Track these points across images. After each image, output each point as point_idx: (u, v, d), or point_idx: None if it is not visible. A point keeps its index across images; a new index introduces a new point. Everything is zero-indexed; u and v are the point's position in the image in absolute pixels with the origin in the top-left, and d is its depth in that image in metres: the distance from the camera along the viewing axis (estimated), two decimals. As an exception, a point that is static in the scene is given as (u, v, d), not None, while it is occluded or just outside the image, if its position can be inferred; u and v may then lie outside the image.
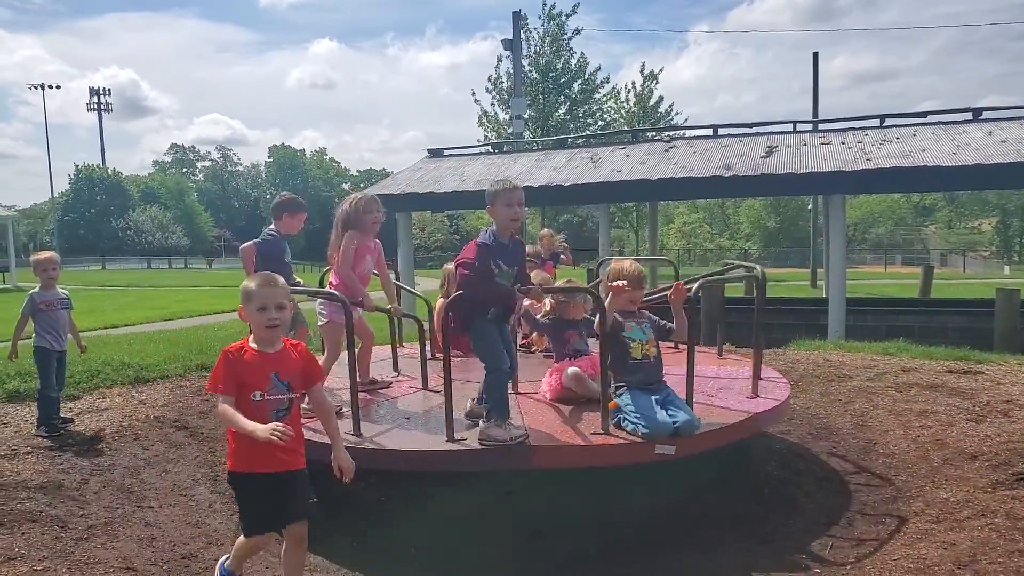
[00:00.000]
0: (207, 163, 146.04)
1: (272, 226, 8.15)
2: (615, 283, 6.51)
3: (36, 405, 8.12)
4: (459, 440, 6.15)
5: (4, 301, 29.11)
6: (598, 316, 6.26)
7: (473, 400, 6.66)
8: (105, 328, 19.31)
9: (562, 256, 13.64)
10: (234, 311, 24.41)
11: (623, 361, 6.48)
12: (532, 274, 9.79)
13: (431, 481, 6.69)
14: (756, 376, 7.51)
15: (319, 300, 7.36)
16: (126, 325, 20.78)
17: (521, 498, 6.62)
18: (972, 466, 7.20)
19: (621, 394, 6.38)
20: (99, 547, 5.79)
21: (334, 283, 7.38)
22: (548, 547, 6.37)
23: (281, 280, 4.72)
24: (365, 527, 6.69)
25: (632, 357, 6.48)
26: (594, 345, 7.47)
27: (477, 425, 6.23)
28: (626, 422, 6.23)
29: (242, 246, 8.08)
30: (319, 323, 7.42)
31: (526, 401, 7.35)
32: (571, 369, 7.15)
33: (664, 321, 6.82)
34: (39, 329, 8.11)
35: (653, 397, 6.32)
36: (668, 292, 6.73)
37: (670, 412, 6.20)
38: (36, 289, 8.18)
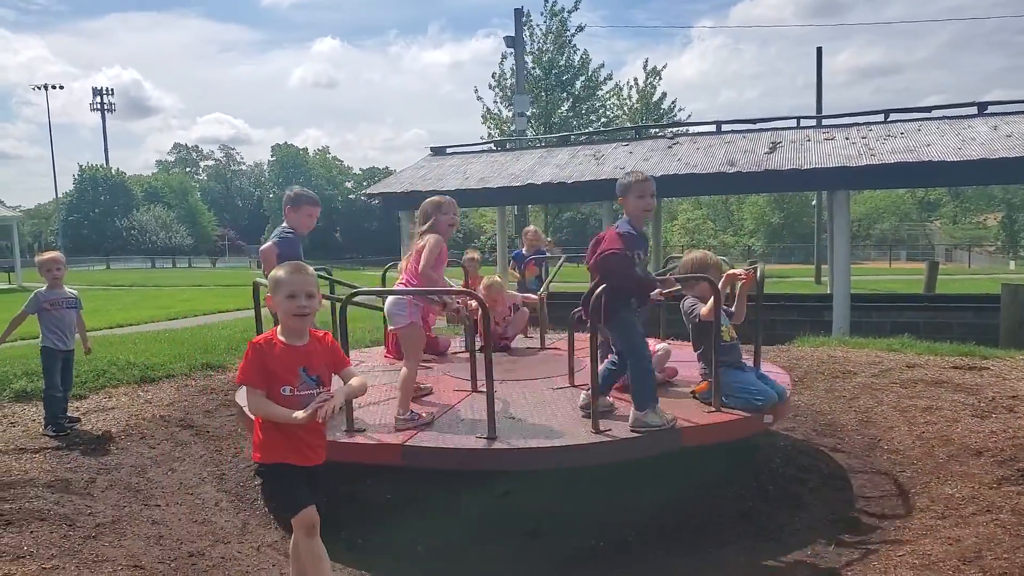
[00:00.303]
0: (210, 162, 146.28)
1: (286, 224, 7.73)
2: (735, 272, 6.97)
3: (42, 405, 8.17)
4: (605, 431, 6.22)
5: (9, 301, 29.19)
6: (709, 304, 6.69)
7: (587, 392, 6.64)
8: (110, 328, 19.33)
9: (547, 254, 13.56)
10: (238, 310, 24.59)
11: (717, 344, 6.71)
12: (484, 279, 9.90)
13: (435, 480, 6.69)
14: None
15: (392, 300, 6.94)
16: (131, 325, 20.78)
17: (522, 497, 6.61)
18: (977, 462, 7.21)
19: (724, 374, 6.77)
20: (107, 545, 5.81)
21: (412, 285, 6.98)
22: (551, 545, 6.35)
23: (310, 268, 4.70)
24: (371, 526, 6.69)
25: (723, 340, 6.78)
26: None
27: (588, 416, 6.42)
28: (731, 399, 6.71)
29: (262, 248, 7.63)
30: (395, 326, 6.99)
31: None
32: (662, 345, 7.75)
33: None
34: (44, 329, 8.14)
35: (750, 373, 6.98)
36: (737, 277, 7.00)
37: (768, 383, 6.88)
38: (43, 288, 8.20)
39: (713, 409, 6.64)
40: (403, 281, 7.01)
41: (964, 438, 7.76)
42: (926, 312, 18.38)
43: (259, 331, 7.56)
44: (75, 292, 8.48)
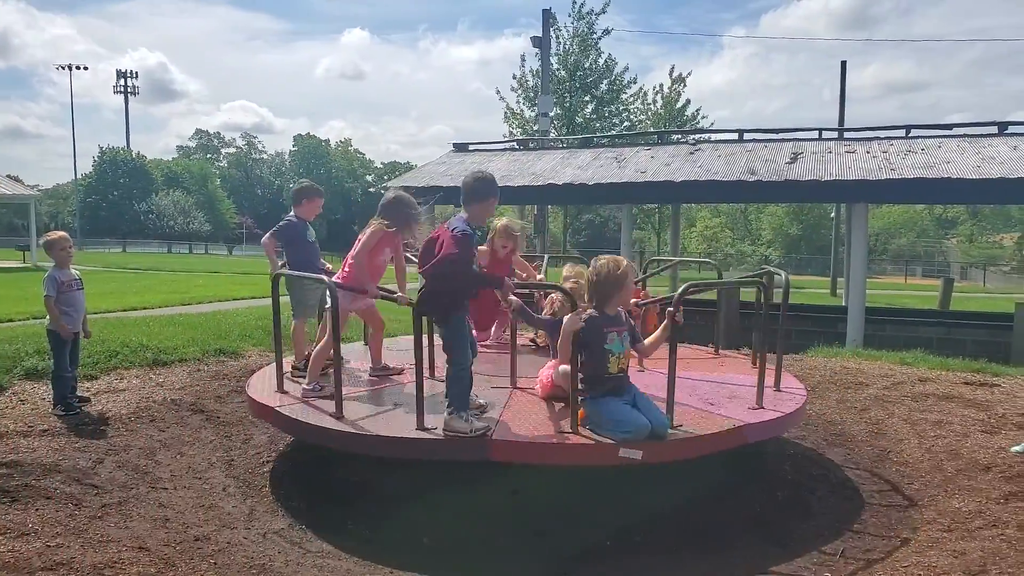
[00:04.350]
0: (232, 150, 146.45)
1: (292, 212, 8.48)
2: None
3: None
4: (431, 429, 6.31)
5: (25, 279, 29.34)
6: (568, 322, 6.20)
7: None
8: (124, 310, 19.36)
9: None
10: (253, 298, 24.59)
11: (598, 373, 6.31)
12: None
13: (443, 473, 6.69)
14: (761, 385, 7.18)
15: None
16: (144, 308, 20.81)
17: (530, 495, 6.62)
18: (985, 477, 7.20)
19: (590, 403, 6.33)
20: (112, 526, 5.83)
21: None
22: (557, 544, 6.36)
23: None
24: (379, 517, 6.70)
25: (608, 371, 6.28)
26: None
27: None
28: (602, 430, 6.17)
29: (263, 240, 8.54)
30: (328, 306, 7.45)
31: (520, 396, 7.37)
32: (564, 367, 7.01)
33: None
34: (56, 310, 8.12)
35: (623, 401, 6.26)
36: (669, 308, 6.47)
37: (643, 412, 6.17)
38: (53, 268, 8.18)
39: (570, 431, 6.24)
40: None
41: (973, 453, 7.76)
42: (940, 328, 18.37)
43: (276, 321, 7.61)
44: (79, 273, 8.48)
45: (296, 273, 8.00)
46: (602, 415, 6.20)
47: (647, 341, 6.61)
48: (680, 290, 6.76)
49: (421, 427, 6.30)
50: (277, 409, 6.98)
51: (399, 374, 8.20)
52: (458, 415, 6.14)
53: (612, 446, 5.99)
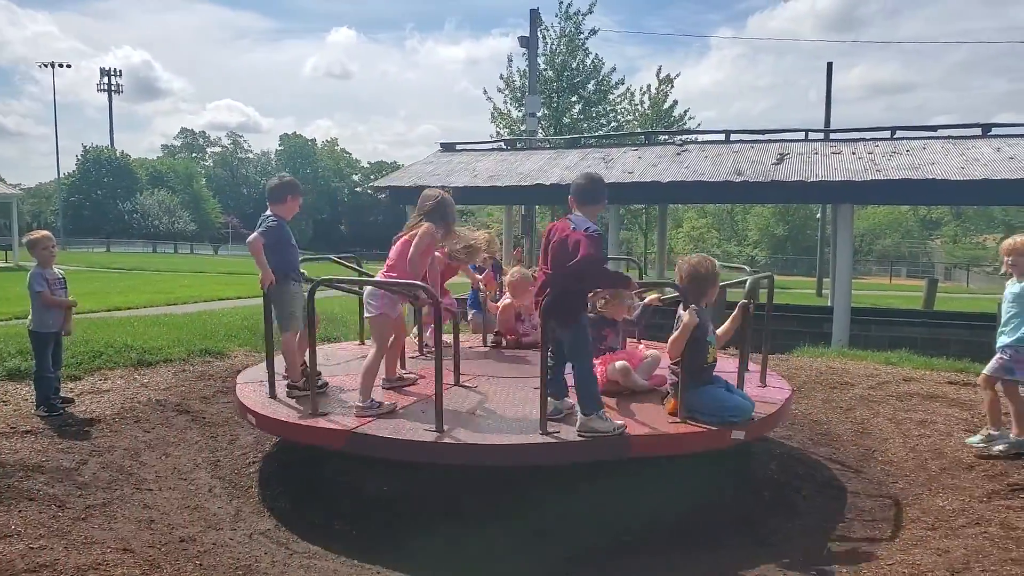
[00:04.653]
0: (217, 149, 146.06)
1: (270, 212, 7.46)
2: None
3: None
4: (553, 433, 6.24)
5: (6, 279, 29.23)
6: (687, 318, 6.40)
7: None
8: (108, 310, 19.32)
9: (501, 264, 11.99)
10: (239, 297, 24.55)
11: (698, 363, 6.59)
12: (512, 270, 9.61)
13: (430, 474, 6.69)
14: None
15: (368, 290, 7.13)
16: (129, 308, 20.78)
17: (522, 496, 6.61)
18: (969, 476, 7.23)
19: (691, 392, 6.55)
20: (97, 528, 5.81)
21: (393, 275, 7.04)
22: (549, 545, 6.36)
23: None
24: (367, 518, 6.69)
25: (707, 361, 6.65)
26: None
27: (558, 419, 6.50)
28: (702, 416, 6.49)
29: (248, 240, 7.37)
30: (367, 314, 7.13)
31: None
32: (620, 363, 7.27)
33: None
34: (39, 310, 8.06)
35: (719, 387, 6.70)
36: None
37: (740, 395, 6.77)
38: (36, 267, 8.12)
39: (678, 420, 6.50)
40: (382, 272, 7.12)
41: (957, 452, 7.81)
42: (924, 328, 18.41)
43: (267, 320, 7.53)
44: (62, 272, 8.43)
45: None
46: (703, 402, 6.53)
47: (719, 331, 6.99)
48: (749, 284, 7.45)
49: (544, 431, 6.23)
50: (361, 433, 6.28)
51: (413, 384, 7.83)
52: (596, 416, 6.17)
53: (724, 430, 6.39)
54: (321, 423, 6.53)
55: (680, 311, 6.50)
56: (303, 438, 6.71)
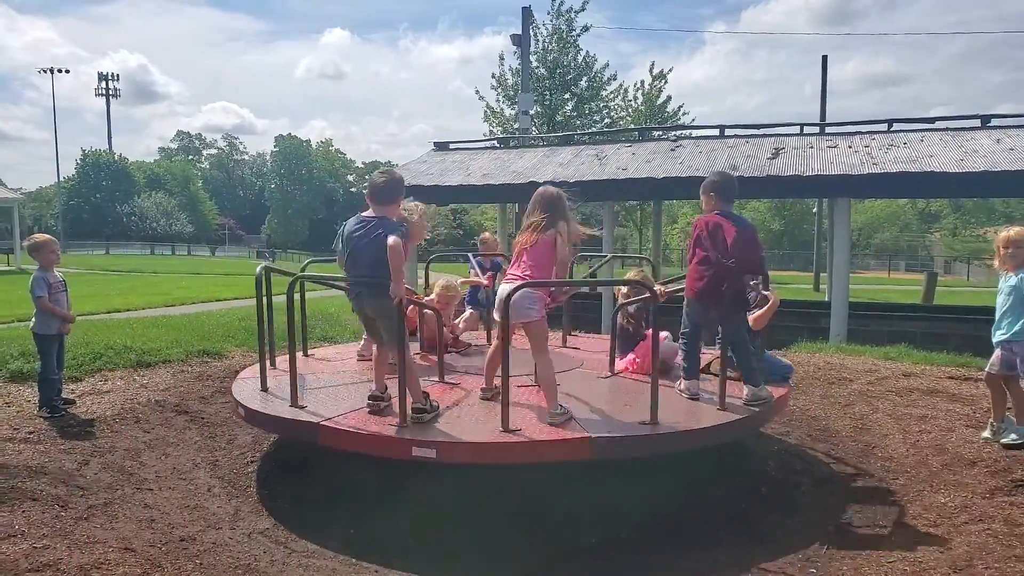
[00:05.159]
0: (213, 151, 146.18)
1: (374, 213, 6.55)
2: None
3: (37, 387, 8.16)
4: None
5: (8, 282, 29.22)
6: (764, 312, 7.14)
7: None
8: (108, 312, 19.30)
9: (502, 264, 11.25)
10: (236, 299, 24.55)
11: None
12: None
13: (427, 472, 6.69)
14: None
15: (523, 295, 6.30)
16: (128, 310, 20.77)
17: (517, 492, 6.62)
18: (971, 472, 7.21)
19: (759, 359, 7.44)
20: (99, 527, 5.81)
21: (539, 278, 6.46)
22: (545, 541, 6.37)
23: None
24: (363, 516, 6.70)
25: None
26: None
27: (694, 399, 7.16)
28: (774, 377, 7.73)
29: (391, 243, 6.04)
30: (526, 320, 6.49)
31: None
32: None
33: None
34: (44, 313, 8.06)
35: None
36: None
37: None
38: (38, 271, 8.12)
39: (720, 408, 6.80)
40: (526, 275, 6.41)
41: (958, 448, 7.77)
42: (923, 322, 18.42)
43: (260, 320, 7.54)
44: (62, 275, 8.43)
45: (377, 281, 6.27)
46: (771, 366, 7.87)
47: (753, 317, 7.20)
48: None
49: (723, 408, 6.80)
50: (595, 437, 6.06)
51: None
52: (762, 386, 7.03)
53: (785, 395, 7.64)
54: (538, 436, 6.14)
55: (762, 291, 7.02)
56: (545, 456, 6.15)
